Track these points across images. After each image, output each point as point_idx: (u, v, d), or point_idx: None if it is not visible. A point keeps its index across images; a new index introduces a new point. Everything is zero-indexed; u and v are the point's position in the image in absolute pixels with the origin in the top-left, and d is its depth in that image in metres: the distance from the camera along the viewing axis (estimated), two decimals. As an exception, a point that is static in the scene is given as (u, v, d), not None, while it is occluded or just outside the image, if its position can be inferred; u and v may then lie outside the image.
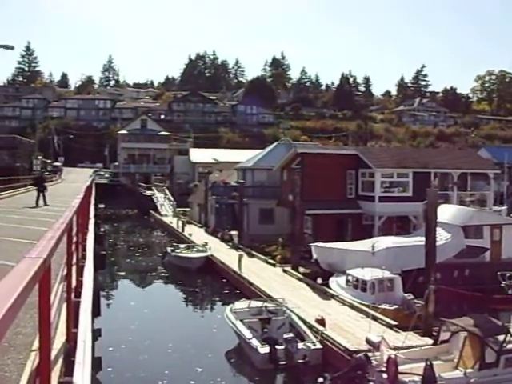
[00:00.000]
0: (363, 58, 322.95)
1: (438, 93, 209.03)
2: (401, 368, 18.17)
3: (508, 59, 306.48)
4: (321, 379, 20.61)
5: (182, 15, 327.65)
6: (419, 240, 27.42)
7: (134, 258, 50.10)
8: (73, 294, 7.80)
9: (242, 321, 24.59)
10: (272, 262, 40.26)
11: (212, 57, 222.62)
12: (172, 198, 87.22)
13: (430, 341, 21.66)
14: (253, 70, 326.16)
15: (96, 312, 22.19)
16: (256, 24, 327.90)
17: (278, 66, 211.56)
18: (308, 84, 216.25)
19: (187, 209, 75.97)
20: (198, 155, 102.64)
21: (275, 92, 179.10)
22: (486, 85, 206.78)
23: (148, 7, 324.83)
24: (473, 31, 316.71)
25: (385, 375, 18.04)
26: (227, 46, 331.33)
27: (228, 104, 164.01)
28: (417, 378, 17.79)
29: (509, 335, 19.43)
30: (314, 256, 35.61)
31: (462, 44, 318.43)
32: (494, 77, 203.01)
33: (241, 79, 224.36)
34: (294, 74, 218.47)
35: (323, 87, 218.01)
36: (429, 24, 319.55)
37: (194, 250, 45.16)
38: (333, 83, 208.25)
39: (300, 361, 21.04)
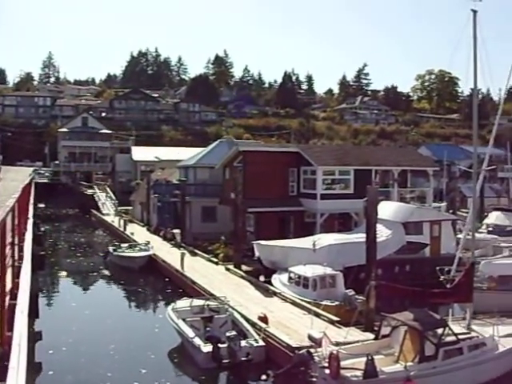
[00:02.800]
0: (306, 57, 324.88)
1: (379, 91, 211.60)
2: (343, 363, 18.34)
3: (446, 59, 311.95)
4: (264, 376, 20.78)
5: (123, 11, 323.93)
6: (360, 237, 27.76)
7: (75, 258, 49.29)
8: (8, 297, 7.61)
9: (184, 320, 24.45)
10: (215, 260, 40.22)
11: (154, 54, 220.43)
12: (114, 197, 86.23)
13: (372, 336, 21.96)
14: (195, 67, 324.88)
15: (34, 314, 21.82)
16: (199, 21, 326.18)
17: (220, 63, 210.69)
18: (251, 82, 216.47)
19: (129, 207, 75.19)
20: (140, 153, 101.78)
21: (218, 90, 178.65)
22: (426, 84, 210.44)
23: (88, 2, 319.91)
24: (413, 31, 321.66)
25: (327, 371, 18.20)
26: (170, 43, 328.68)
27: (170, 102, 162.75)
28: (358, 373, 18.00)
29: (447, 328, 19.92)
30: (257, 254, 35.73)
31: (402, 43, 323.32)
32: (433, 76, 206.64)
33: (183, 77, 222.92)
34: (237, 72, 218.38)
35: (266, 85, 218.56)
36: (371, 23, 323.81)
37: (136, 249, 44.75)
38: (275, 81, 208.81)
39: (243, 359, 21.05)
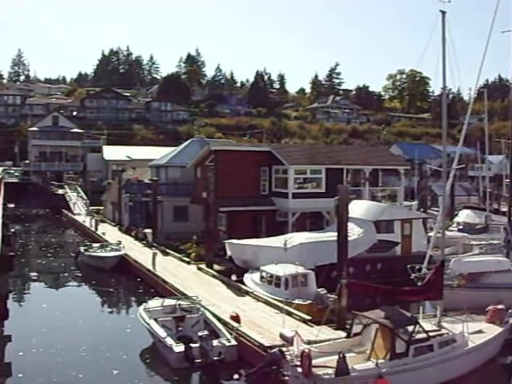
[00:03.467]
0: (278, 56, 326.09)
1: (351, 91, 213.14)
2: (315, 362, 18.42)
3: (417, 59, 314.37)
4: (236, 376, 20.77)
5: (94, 9, 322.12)
6: (332, 235, 27.88)
7: (46, 258, 48.83)
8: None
9: (155, 320, 24.32)
10: (186, 259, 40.10)
11: (126, 53, 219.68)
12: (85, 197, 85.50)
13: (343, 334, 22.05)
14: (167, 66, 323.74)
15: (3, 316, 21.62)
16: (171, 20, 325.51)
17: (192, 62, 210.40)
18: (223, 81, 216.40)
19: (101, 207, 74.74)
20: (112, 153, 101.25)
21: (190, 89, 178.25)
22: (398, 83, 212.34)
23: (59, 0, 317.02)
24: (385, 31, 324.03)
25: (299, 369, 18.27)
26: (141, 41, 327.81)
27: (142, 101, 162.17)
28: (330, 371, 18.06)
29: (418, 326, 20.08)
30: (229, 253, 35.72)
31: (374, 43, 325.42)
32: (404, 76, 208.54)
33: (155, 76, 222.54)
34: (209, 71, 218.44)
35: (238, 84, 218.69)
36: (343, 23, 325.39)
37: (108, 249, 44.40)
38: (248, 80, 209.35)
39: (215, 358, 21.01)
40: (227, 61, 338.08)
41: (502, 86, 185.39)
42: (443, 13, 25.23)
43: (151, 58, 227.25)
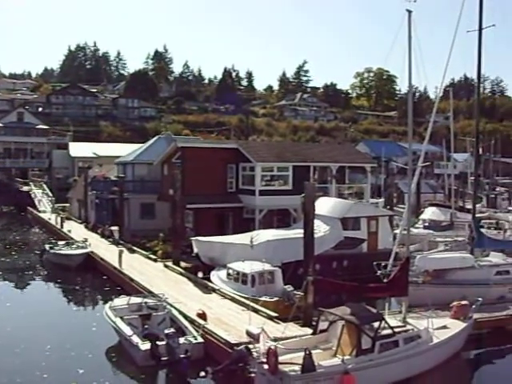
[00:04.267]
0: (246, 53, 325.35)
1: (318, 88, 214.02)
2: (281, 358, 18.43)
3: (384, 57, 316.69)
4: (203, 373, 20.77)
5: (60, 3, 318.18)
6: (298, 232, 27.94)
7: (11, 256, 48.13)
8: None
9: (121, 318, 24.19)
10: (153, 257, 39.94)
11: (93, 48, 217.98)
12: (50, 194, 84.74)
13: (310, 331, 22.14)
14: (135, 62, 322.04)
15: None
16: (138, 16, 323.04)
17: (160, 59, 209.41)
18: (191, 78, 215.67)
19: (66, 204, 73.99)
20: (78, 149, 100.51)
21: (157, 85, 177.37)
22: (365, 81, 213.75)
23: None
24: (354, 29, 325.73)
25: (265, 366, 18.28)
26: (108, 37, 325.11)
27: (109, 97, 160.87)
28: (297, 368, 18.12)
29: (383, 322, 20.29)
30: (195, 250, 35.66)
31: (343, 41, 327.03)
32: (372, 74, 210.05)
33: (122, 72, 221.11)
34: (177, 68, 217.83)
35: (206, 81, 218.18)
36: (311, 20, 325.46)
37: (74, 246, 43.99)
38: (215, 77, 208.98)
39: (182, 356, 20.93)
40: (195, 57, 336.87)
41: (467, 85, 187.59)
42: (409, 12, 25.42)
43: (118, 54, 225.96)
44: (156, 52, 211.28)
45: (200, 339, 22.41)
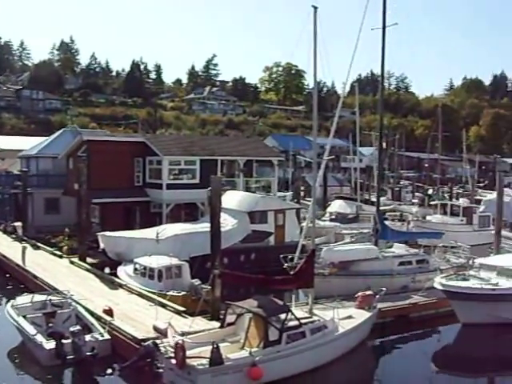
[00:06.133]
0: (154, 46, 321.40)
1: (227, 82, 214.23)
2: (189, 353, 18.44)
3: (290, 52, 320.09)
4: (110, 370, 20.47)
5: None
6: (206, 226, 27.87)
7: None
8: None
9: (24, 317, 23.48)
10: (58, 253, 38.91)
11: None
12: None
13: (218, 324, 22.18)
14: (39, 53, 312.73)
15: None
16: (43, 5, 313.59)
17: (66, 50, 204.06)
18: (98, 70, 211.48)
19: (-34, 200, 71.32)
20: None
21: (63, 77, 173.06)
22: (274, 76, 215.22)
23: None
24: (263, 23, 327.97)
25: (173, 361, 18.25)
26: (11, 26, 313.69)
27: (12, 88, 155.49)
28: (205, 361, 18.15)
29: (290, 313, 20.51)
30: (102, 245, 34.97)
31: (252, 35, 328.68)
32: (281, 68, 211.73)
33: (26, 62, 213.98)
34: (84, 59, 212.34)
35: (114, 73, 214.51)
36: (219, 14, 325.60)
37: (-28, 244, 42.52)
38: (123, 70, 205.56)
39: (88, 353, 20.52)
40: (102, 49, 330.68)
41: (373, 80, 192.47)
42: (315, 8, 25.80)
43: (22, 43, 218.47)
44: (62, 43, 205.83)
45: (107, 336, 22.03)
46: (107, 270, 32.07)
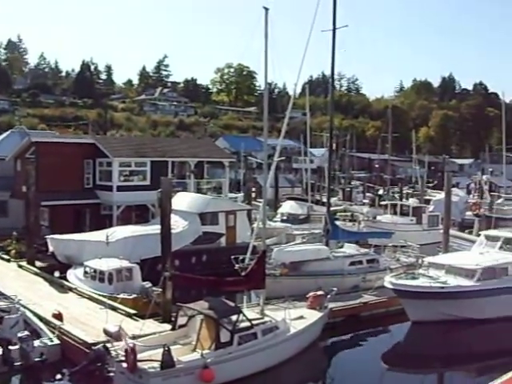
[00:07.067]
0: (105, 46, 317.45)
1: (179, 83, 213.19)
2: (140, 356, 18.39)
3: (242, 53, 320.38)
4: (59, 376, 20.14)
5: None
6: (156, 228, 27.78)
7: None
8: None
9: None
10: (6, 257, 38.10)
11: None
12: None
13: (169, 327, 22.08)
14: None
15: None
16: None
17: (14, 49, 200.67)
18: (47, 70, 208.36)
19: None
20: None
21: (11, 77, 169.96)
22: (225, 77, 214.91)
23: None
24: (215, 24, 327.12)
25: (124, 364, 18.13)
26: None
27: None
28: (156, 364, 18.10)
29: (241, 315, 20.60)
30: (51, 249, 34.49)
31: (204, 36, 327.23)
32: (232, 70, 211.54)
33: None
34: (32, 59, 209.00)
35: (63, 74, 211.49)
36: (171, 15, 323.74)
37: None
38: (73, 70, 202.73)
39: (37, 359, 20.24)
40: (52, 49, 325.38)
41: (325, 82, 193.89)
42: (266, 9, 25.84)
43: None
44: (9, 42, 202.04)
45: (56, 341, 21.72)
46: (57, 274, 31.67)
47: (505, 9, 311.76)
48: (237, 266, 28.94)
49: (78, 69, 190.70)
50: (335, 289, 25.96)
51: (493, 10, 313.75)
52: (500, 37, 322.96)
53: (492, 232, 34.60)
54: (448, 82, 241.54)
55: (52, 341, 21.68)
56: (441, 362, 24.49)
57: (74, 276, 31.00)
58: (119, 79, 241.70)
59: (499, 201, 61.51)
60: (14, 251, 38.66)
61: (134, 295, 26.82)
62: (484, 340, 26.70)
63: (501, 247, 31.55)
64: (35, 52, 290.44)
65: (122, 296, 26.44)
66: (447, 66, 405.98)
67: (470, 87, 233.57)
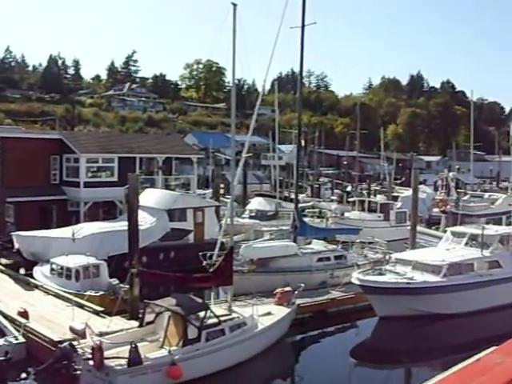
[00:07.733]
0: (73, 40, 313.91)
1: (147, 79, 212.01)
2: (107, 353, 18.34)
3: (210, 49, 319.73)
4: (24, 375, 19.87)
5: None
6: (124, 225, 27.61)
7: None
8: None
9: None
10: (-30, 255, 37.75)
11: None
12: None
13: (137, 323, 22.03)
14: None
15: None
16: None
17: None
18: (13, 64, 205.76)
19: None
20: None
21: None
22: (194, 73, 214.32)
23: None
24: (183, 19, 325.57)
25: (91, 362, 18.04)
26: None
27: None
28: (123, 362, 18.06)
29: (209, 311, 20.64)
30: (17, 245, 34.06)
31: (172, 31, 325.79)
32: (201, 65, 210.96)
33: None
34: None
35: (30, 68, 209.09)
36: (140, 9, 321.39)
37: None
38: (40, 64, 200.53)
39: (1, 358, 19.93)
40: (18, 43, 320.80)
41: (294, 79, 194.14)
42: (234, 5, 25.83)
43: None
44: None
45: (21, 339, 21.48)
46: (22, 271, 31.28)
47: (473, 7, 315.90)
48: (205, 262, 28.88)
49: (45, 63, 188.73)
50: (303, 285, 26.09)
51: (461, 8, 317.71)
52: (468, 36, 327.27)
53: (458, 228, 34.98)
54: (416, 80, 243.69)
55: (17, 339, 21.43)
56: (408, 356, 24.77)
57: (41, 273, 30.67)
58: (87, 74, 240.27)
59: (465, 198, 62.13)
60: (-22, 249, 38.17)
61: (101, 292, 26.69)
62: (450, 334, 27.07)
63: (467, 243, 31.96)
64: (0, 45, 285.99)
65: (88, 293, 26.24)
66: (415, 63, 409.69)
67: (438, 85, 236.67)
